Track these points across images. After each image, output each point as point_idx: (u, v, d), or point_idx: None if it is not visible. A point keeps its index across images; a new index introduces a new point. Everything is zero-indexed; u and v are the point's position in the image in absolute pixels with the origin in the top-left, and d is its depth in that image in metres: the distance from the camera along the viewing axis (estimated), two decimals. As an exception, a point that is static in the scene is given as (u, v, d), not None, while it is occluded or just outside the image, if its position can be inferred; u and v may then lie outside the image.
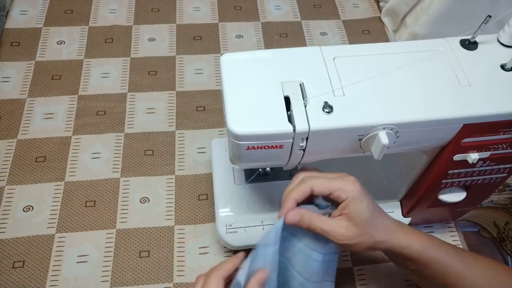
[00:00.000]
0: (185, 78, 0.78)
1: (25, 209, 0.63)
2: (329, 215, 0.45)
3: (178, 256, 0.60)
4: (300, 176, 0.45)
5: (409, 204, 0.57)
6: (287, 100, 0.42)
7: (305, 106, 0.41)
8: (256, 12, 0.88)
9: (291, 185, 0.45)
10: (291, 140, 0.42)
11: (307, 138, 0.42)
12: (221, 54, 0.66)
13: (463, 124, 0.43)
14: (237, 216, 0.58)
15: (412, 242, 0.44)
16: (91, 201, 0.64)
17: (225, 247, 0.60)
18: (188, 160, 0.69)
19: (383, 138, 0.41)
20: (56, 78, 0.76)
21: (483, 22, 0.44)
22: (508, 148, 0.46)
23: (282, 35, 0.85)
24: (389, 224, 0.45)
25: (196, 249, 0.61)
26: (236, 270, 0.43)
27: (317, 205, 0.45)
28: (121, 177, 0.66)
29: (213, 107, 0.75)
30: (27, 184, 0.65)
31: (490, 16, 0.43)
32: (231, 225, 0.57)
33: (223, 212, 0.58)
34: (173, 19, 0.86)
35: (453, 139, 0.45)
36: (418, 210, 0.57)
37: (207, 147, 0.70)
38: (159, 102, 0.74)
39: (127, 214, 0.63)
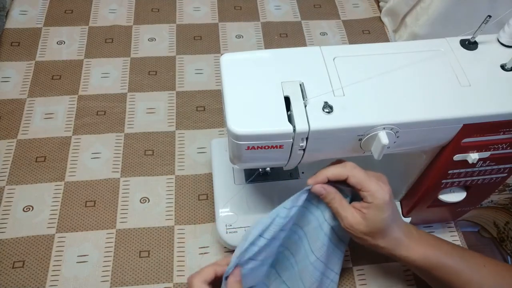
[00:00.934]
0: (185, 78, 0.78)
1: (25, 209, 0.63)
2: (350, 202, 0.47)
3: (178, 256, 0.60)
4: (345, 162, 0.47)
5: (409, 204, 0.57)
6: (287, 100, 0.42)
7: (305, 106, 0.41)
8: (256, 12, 0.88)
9: (331, 164, 0.47)
10: (291, 140, 0.42)
11: (307, 138, 0.42)
12: (221, 54, 0.66)
13: (463, 124, 0.43)
14: (237, 216, 0.58)
15: (412, 254, 0.47)
16: (91, 201, 0.64)
17: (225, 247, 0.60)
18: (188, 160, 0.69)
19: (383, 138, 0.41)
20: (56, 78, 0.76)
21: (483, 22, 0.44)
22: (508, 148, 0.46)
23: (282, 35, 0.85)
24: (397, 237, 0.47)
25: (196, 249, 0.61)
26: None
27: (340, 190, 0.47)
28: (121, 177, 0.66)
29: (213, 107, 0.75)
30: (27, 184, 0.65)
31: (490, 16, 0.43)
32: (231, 225, 0.57)
33: (223, 212, 0.58)
34: (173, 19, 0.86)
35: (453, 139, 0.45)
36: (418, 210, 0.57)
37: (207, 147, 0.70)
38: (159, 102, 0.74)
39: (127, 214, 0.63)
